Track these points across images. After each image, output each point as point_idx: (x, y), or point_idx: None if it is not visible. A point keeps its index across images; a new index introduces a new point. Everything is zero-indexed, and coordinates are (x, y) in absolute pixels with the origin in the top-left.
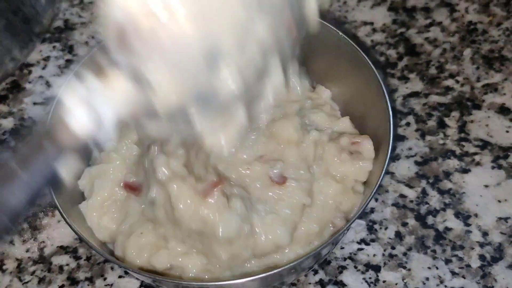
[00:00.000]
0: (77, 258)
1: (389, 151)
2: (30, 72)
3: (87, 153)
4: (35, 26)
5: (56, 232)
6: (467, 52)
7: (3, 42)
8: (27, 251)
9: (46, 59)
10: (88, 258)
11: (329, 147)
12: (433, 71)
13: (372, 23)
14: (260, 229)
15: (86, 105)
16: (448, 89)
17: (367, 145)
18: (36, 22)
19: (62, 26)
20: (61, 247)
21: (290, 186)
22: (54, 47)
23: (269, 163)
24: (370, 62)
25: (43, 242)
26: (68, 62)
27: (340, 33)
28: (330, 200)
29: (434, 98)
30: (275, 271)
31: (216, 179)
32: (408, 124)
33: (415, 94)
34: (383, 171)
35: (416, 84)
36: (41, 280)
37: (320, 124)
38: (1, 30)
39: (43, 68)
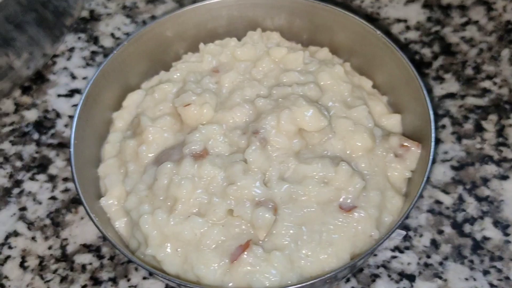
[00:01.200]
0: (100, 257)
1: (430, 162)
2: (54, 63)
3: None
4: (65, 19)
5: (79, 230)
6: (505, 53)
7: (35, 37)
8: (50, 248)
9: (71, 50)
10: (111, 258)
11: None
12: (469, 71)
13: (405, 20)
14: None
15: None
16: (485, 91)
17: (415, 153)
18: (67, 14)
19: (87, 16)
20: (84, 245)
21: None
22: (79, 38)
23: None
24: (412, 67)
25: (66, 239)
26: (94, 53)
27: (378, 32)
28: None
29: (471, 100)
30: (311, 281)
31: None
32: (443, 126)
33: (450, 96)
34: (424, 182)
35: (451, 85)
36: (63, 279)
37: (376, 117)
38: (32, 24)
39: (68, 59)
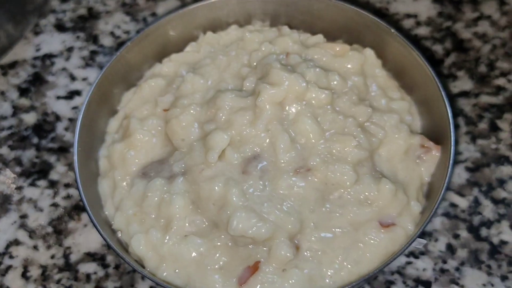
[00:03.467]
0: (105, 266)
1: (450, 167)
2: (53, 63)
3: None
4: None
5: (82, 238)
6: None
7: None
8: (52, 257)
9: (70, 49)
10: (117, 267)
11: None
12: (482, 69)
13: (415, 16)
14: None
15: None
16: (500, 88)
17: (435, 157)
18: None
19: (86, 14)
20: (88, 254)
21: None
22: (78, 37)
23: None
24: (431, 69)
25: (69, 248)
26: (93, 53)
27: (393, 30)
28: None
29: (485, 98)
30: None
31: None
32: (457, 126)
33: (464, 94)
34: (443, 189)
35: (465, 83)
36: None
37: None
38: None
39: (67, 60)
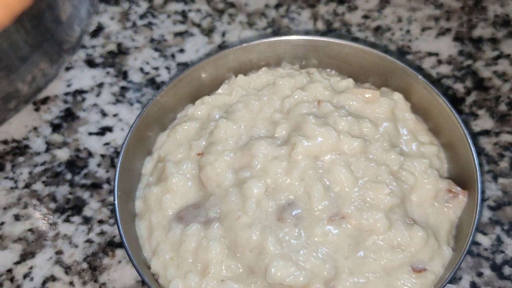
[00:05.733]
0: None
1: (478, 213)
2: (84, 99)
3: None
4: (63, 45)
5: (117, 274)
6: None
7: (35, 62)
8: None
9: (100, 85)
10: None
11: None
12: (503, 107)
13: (437, 54)
14: None
15: None
16: None
17: (462, 202)
18: (64, 41)
19: (115, 50)
20: None
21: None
22: (107, 72)
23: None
24: (456, 115)
25: (104, 284)
26: (123, 89)
27: (420, 77)
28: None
29: (506, 137)
30: None
31: None
32: (479, 165)
33: (485, 133)
34: (472, 234)
35: (485, 122)
36: None
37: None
38: (32, 52)
39: (97, 95)
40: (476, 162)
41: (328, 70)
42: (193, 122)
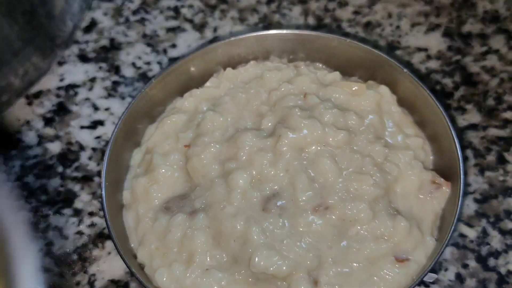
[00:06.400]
0: None
1: (459, 204)
2: (76, 93)
3: None
4: (55, 39)
5: (106, 265)
6: None
7: (27, 57)
8: (77, 284)
9: (93, 80)
10: None
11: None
12: (491, 102)
13: (426, 49)
14: None
15: None
16: (507, 122)
17: (445, 193)
18: (56, 36)
19: (107, 45)
20: (112, 281)
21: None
22: (100, 67)
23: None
24: (441, 108)
25: (94, 275)
26: (115, 84)
27: (405, 70)
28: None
29: (493, 132)
30: None
31: None
32: (466, 158)
33: (472, 127)
34: (453, 226)
35: (473, 116)
36: None
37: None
38: (25, 47)
39: (90, 90)
40: (460, 154)
41: (316, 63)
42: (181, 115)
